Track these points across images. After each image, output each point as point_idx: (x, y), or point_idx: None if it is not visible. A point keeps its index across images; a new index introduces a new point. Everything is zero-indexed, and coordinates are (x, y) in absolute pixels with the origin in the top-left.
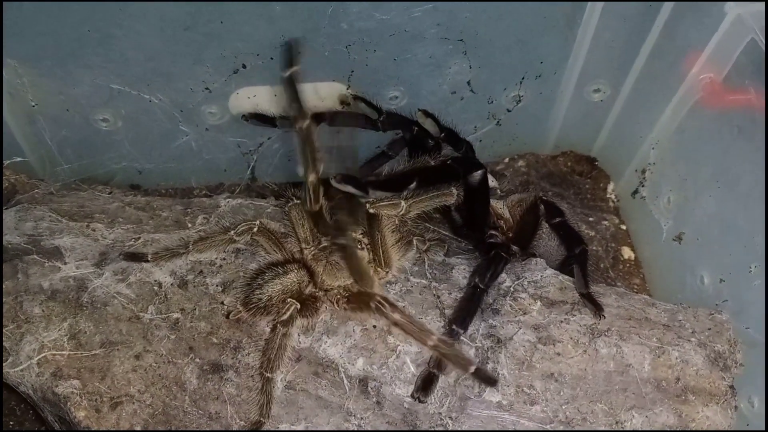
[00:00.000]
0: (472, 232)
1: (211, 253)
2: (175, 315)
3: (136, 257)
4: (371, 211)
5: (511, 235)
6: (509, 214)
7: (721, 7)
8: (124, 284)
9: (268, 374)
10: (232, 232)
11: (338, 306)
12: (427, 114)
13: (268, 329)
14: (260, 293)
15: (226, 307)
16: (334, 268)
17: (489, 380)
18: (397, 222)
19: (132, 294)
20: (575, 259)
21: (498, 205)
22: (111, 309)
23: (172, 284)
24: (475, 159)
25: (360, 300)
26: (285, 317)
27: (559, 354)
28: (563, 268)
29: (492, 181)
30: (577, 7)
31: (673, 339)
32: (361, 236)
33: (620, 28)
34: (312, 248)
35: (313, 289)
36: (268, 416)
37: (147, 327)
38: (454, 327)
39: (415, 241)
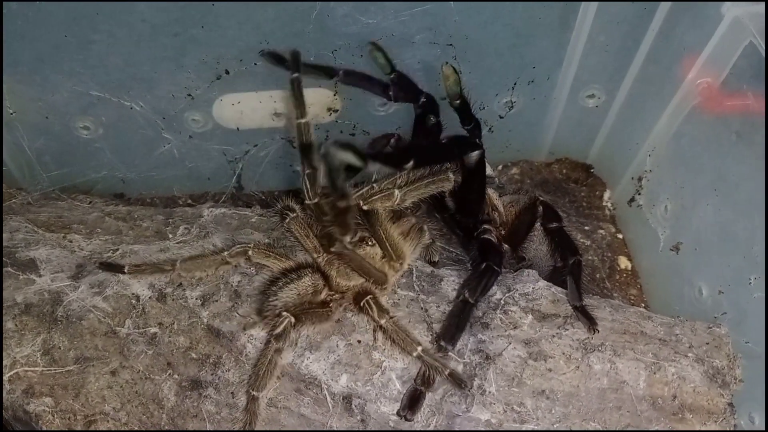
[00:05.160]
0: (464, 220)
1: (199, 273)
2: (153, 329)
3: (112, 267)
4: (365, 207)
5: (503, 231)
6: (503, 210)
7: (718, 9)
8: (101, 297)
9: (255, 392)
10: (225, 253)
11: (355, 308)
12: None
13: (249, 345)
14: (275, 300)
15: (241, 318)
16: (347, 269)
17: (460, 383)
18: (396, 207)
19: (109, 308)
20: (569, 271)
21: (494, 196)
22: (86, 323)
23: (150, 297)
24: (472, 139)
25: (355, 300)
26: (278, 331)
27: (550, 370)
28: (553, 276)
29: (489, 170)
30: (569, 9)
31: (669, 354)
32: (366, 234)
33: (615, 31)
34: (323, 255)
35: (329, 293)
36: None
37: (123, 342)
38: (442, 343)
39: (426, 227)
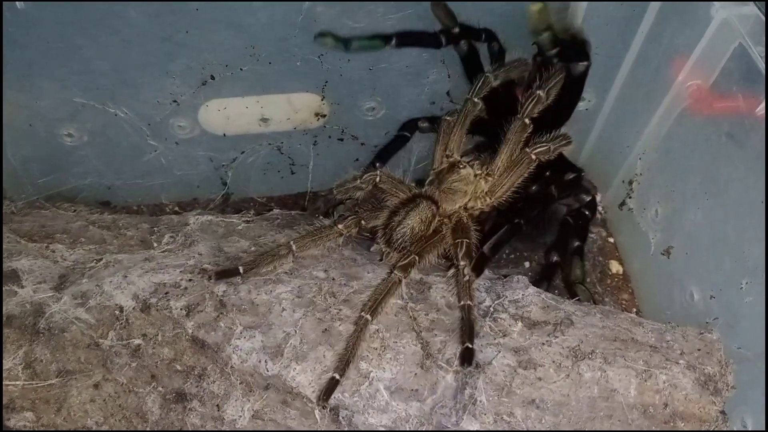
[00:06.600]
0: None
1: (313, 250)
2: (137, 341)
3: (227, 274)
4: (527, 120)
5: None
6: None
7: (707, 11)
8: (84, 309)
9: (366, 315)
10: (340, 225)
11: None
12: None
13: (234, 356)
14: (402, 229)
15: (379, 249)
16: (448, 195)
17: (466, 360)
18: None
19: (92, 319)
20: (574, 251)
21: None
22: (69, 335)
23: (134, 308)
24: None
25: (453, 232)
26: (405, 262)
27: (540, 379)
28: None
29: None
30: (561, 13)
31: (660, 361)
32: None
33: (604, 33)
34: (423, 189)
35: (439, 219)
36: (348, 365)
37: (107, 354)
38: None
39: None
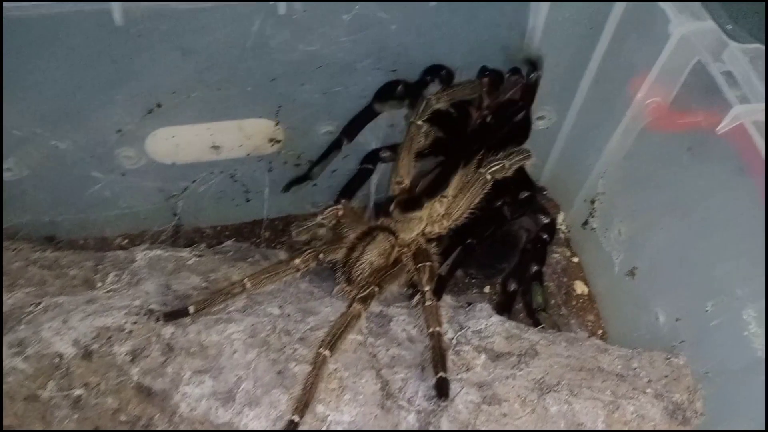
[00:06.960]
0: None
1: (270, 286)
2: (78, 391)
3: (175, 315)
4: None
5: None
6: None
7: (665, 27)
8: (21, 358)
9: (324, 351)
10: (298, 260)
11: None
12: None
13: (183, 404)
14: (361, 265)
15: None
16: (404, 223)
17: (443, 393)
18: None
19: (29, 369)
20: (532, 277)
21: None
22: (6, 388)
23: (74, 356)
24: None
25: (415, 258)
26: (364, 294)
27: (505, 415)
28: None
29: None
30: (516, 31)
31: (627, 391)
32: None
33: (562, 52)
34: (379, 221)
35: (399, 249)
36: (307, 406)
37: (46, 407)
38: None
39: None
